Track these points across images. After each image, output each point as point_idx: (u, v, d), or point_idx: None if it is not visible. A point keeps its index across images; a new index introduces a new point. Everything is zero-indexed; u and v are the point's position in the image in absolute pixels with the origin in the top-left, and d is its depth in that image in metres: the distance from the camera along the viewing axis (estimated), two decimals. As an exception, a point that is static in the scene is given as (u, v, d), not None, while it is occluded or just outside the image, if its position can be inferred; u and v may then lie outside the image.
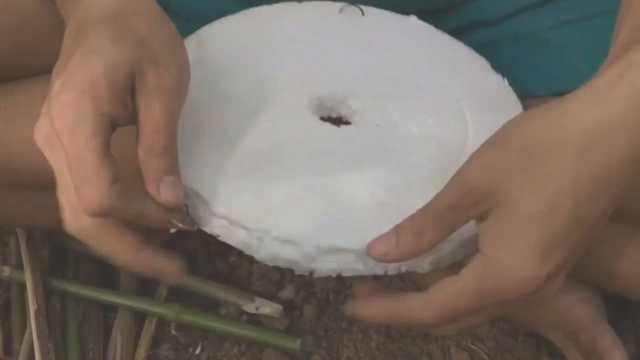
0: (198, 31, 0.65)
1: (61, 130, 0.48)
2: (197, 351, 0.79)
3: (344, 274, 0.52)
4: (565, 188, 0.47)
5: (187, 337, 0.80)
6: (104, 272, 0.85)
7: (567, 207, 0.47)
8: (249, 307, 0.79)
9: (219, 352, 0.79)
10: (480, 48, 0.73)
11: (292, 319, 0.80)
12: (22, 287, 0.81)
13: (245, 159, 0.56)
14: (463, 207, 0.49)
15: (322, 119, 0.62)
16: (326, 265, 0.52)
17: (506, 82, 0.66)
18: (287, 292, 0.82)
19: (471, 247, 0.52)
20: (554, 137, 0.48)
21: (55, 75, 0.50)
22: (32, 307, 0.77)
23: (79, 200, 0.47)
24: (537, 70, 0.73)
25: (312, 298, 0.82)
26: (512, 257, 0.48)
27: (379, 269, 0.52)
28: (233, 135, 0.57)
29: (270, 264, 0.52)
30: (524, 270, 0.47)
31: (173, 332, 0.80)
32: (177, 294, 0.82)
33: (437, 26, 0.71)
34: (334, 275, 0.52)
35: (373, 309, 0.52)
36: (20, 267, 0.81)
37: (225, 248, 0.74)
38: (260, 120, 0.59)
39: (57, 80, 0.49)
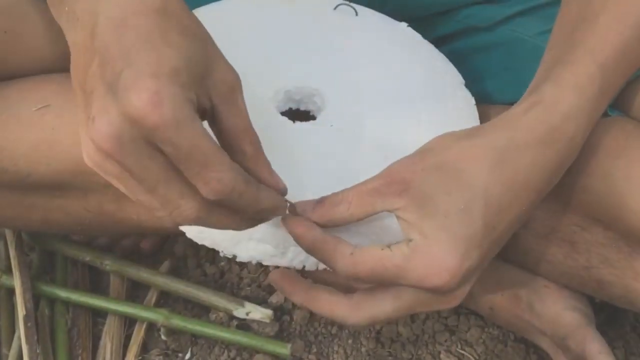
0: None
1: (160, 122, 0.44)
2: (187, 356, 0.78)
3: (264, 263, 0.56)
4: (477, 194, 0.53)
5: (176, 343, 0.80)
6: (93, 277, 0.85)
7: (479, 212, 0.53)
8: (239, 312, 0.78)
9: (208, 357, 0.78)
10: (472, 53, 0.74)
11: (282, 324, 0.80)
12: (11, 292, 0.80)
13: None
14: (381, 193, 0.53)
15: (290, 110, 0.63)
16: (247, 252, 0.55)
17: (473, 101, 0.67)
18: (277, 298, 0.82)
19: None
20: (468, 152, 0.54)
21: (94, 75, 0.46)
22: (20, 312, 0.76)
23: (203, 184, 0.45)
24: (528, 76, 0.73)
25: (302, 303, 0.82)
26: (437, 246, 0.52)
27: (296, 262, 0.56)
28: None
29: (198, 242, 0.55)
30: (446, 260, 0.52)
31: (163, 337, 0.80)
32: (166, 299, 0.82)
33: (429, 31, 0.72)
34: (254, 262, 0.56)
35: (307, 234, 0.54)
36: (8, 271, 0.81)
37: (216, 253, 0.74)
38: None
39: (116, 72, 0.45)
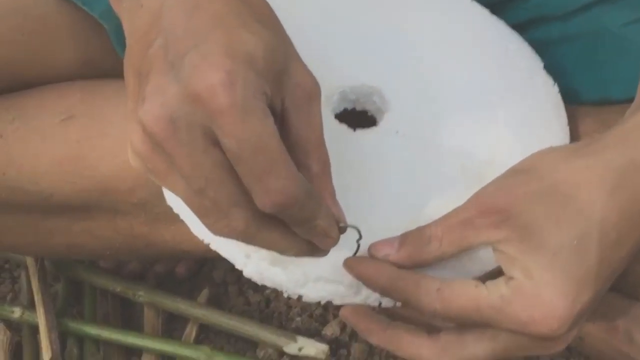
0: None
1: (228, 107, 0.39)
2: None
3: (335, 303, 0.50)
4: (593, 226, 0.46)
5: None
6: (125, 310, 0.78)
7: (595, 246, 0.46)
8: (290, 348, 0.71)
9: None
10: (543, 47, 0.66)
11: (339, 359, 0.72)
12: (35, 329, 0.74)
13: None
14: (476, 226, 0.47)
15: (345, 111, 0.57)
16: (316, 293, 0.50)
17: (556, 88, 0.60)
18: (331, 329, 0.74)
19: None
20: (581, 175, 0.47)
21: (154, 55, 0.41)
22: (46, 355, 0.70)
23: (262, 192, 0.40)
24: (612, 72, 0.66)
25: (360, 334, 0.74)
26: (544, 288, 0.46)
27: (372, 300, 0.50)
28: None
29: (258, 282, 0.50)
30: (556, 305, 0.46)
31: None
32: (207, 333, 0.76)
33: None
34: (323, 302, 0.50)
35: (382, 266, 0.49)
36: (31, 307, 0.74)
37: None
38: None
39: (181, 50, 0.40)
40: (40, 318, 0.72)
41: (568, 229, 0.46)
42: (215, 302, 0.77)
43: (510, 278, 0.47)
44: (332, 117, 0.56)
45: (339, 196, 0.47)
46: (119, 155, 0.60)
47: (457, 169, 0.54)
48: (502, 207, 0.47)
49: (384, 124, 0.56)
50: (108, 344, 0.73)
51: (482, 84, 0.59)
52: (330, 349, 0.71)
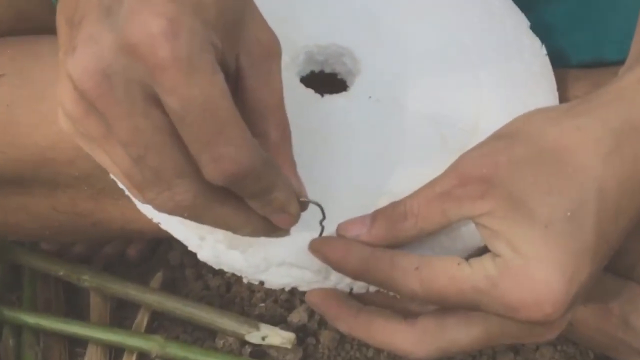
0: None
1: (171, 60, 0.34)
2: None
3: (301, 289, 0.47)
4: (589, 195, 0.42)
5: None
6: (69, 296, 0.72)
7: (591, 218, 0.42)
8: (253, 336, 0.65)
9: None
10: (529, 5, 0.61)
11: (306, 349, 0.66)
12: (-34, 319, 0.67)
13: None
14: (456, 197, 0.43)
15: (312, 74, 0.54)
16: (279, 279, 0.46)
17: (544, 50, 0.56)
18: (298, 315, 0.68)
19: None
20: (573, 137, 0.43)
21: (88, 1, 0.36)
22: (-24, 346, 0.63)
23: (211, 161, 0.36)
24: (605, 31, 0.63)
25: (330, 321, 0.68)
26: (536, 266, 0.41)
27: (343, 286, 0.46)
28: None
29: (215, 266, 0.47)
30: (550, 285, 0.41)
31: None
32: (161, 322, 0.69)
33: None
34: (288, 288, 0.47)
35: (351, 251, 0.44)
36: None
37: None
38: None
39: None
40: None
41: (560, 199, 0.42)
42: (170, 287, 0.71)
43: (497, 256, 0.42)
44: (297, 80, 0.52)
45: (301, 169, 0.43)
46: (56, 121, 0.55)
47: (436, 138, 0.50)
48: (484, 175, 0.42)
49: (355, 88, 0.52)
50: (49, 334, 0.67)
51: (462, 45, 0.55)
52: (297, 337, 0.65)
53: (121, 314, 0.70)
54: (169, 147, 0.36)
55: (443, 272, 0.43)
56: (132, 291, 0.68)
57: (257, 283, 0.47)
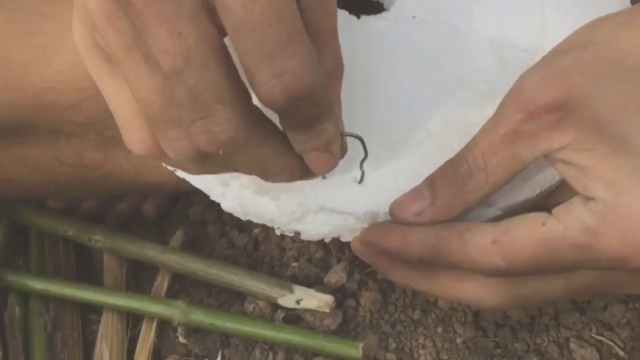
0: None
1: None
2: None
3: (343, 239, 0.44)
4: None
5: (201, 345, 0.61)
6: (80, 259, 0.66)
7: None
8: (286, 300, 0.59)
9: None
10: None
11: (345, 313, 0.60)
12: (-32, 285, 0.62)
13: None
14: (526, 134, 0.38)
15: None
16: (317, 228, 0.43)
17: None
18: (336, 275, 0.61)
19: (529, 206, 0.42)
20: None
21: None
22: (-22, 315, 0.58)
23: (272, 76, 0.32)
24: None
25: (371, 280, 0.61)
26: None
27: None
28: None
29: (242, 217, 0.44)
30: None
31: (181, 339, 0.61)
32: (182, 285, 0.64)
33: None
34: (328, 239, 0.44)
35: (409, 236, 0.41)
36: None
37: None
38: None
39: None
40: None
41: None
42: (192, 246, 0.66)
43: (590, 199, 0.37)
44: None
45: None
46: (57, 58, 0.50)
47: (493, 61, 0.46)
48: (556, 100, 0.37)
49: (396, 8, 0.48)
50: (59, 300, 0.62)
51: None
52: (335, 299, 0.59)
53: (138, 277, 0.65)
54: (214, 63, 0.32)
55: (528, 237, 0.38)
56: (149, 252, 0.62)
57: (291, 234, 0.44)
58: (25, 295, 0.62)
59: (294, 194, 0.42)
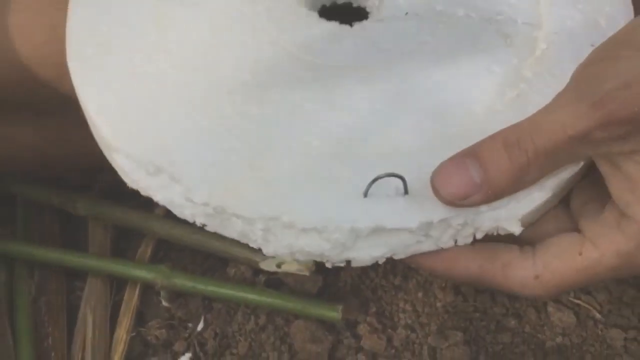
0: None
1: None
2: (199, 327, 0.60)
3: (397, 257, 0.41)
4: None
5: (184, 309, 0.61)
6: (65, 227, 0.66)
7: None
8: (268, 264, 0.59)
9: (229, 326, 0.59)
10: None
11: (326, 277, 0.61)
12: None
13: (225, 105, 0.44)
14: (593, 142, 0.38)
15: (324, 9, 0.51)
16: (368, 253, 0.41)
17: None
18: (317, 241, 0.61)
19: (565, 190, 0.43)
20: None
21: None
22: (-36, 279, 0.58)
23: None
24: None
25: (352, 247, 0.62)
26: None
27: (445, 241, 0.41)
28: (199, 63, 0.45)
29: (287, 259, 0.45)
30: None
31: (164, 302, 0.61)
32: (166, 251, 0.64)
33: None
34: (381, 261, 0.41)
35: (454, 265, 0.41)
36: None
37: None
38: (234, 32, 0.47)
39: None
40: None
41: None
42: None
43: (625, 216, 0.38)
44: (316, 15, 0.49)
45: (355, 111, 0.43)
46: (34, 34, 0.51)
47: (499, 41, 0.47)
48: (634, 114, 0.37)
49: (386, 8, 0.48)
50: (44, 266, 0.62)
51: None
52: (317, 264, 0.58)
53: (123, 244, 0.65)
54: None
55: (568, 269, 0.39)
56: (134, 219, 0.62)
57: (343, 264, 0.41)
58: (11, 262, 0.62)
59: (343, 221, 0.40)
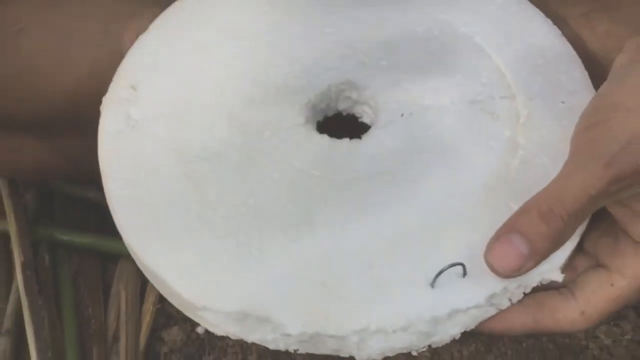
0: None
1: None
2: None
3: (468, 329, 0.44)
4: None
5: None
6: (100, 218, 0.72)
7: None
8: None
9: None
10: None
11: None
12: (6, 239, 0.70)
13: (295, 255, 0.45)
14: (609, 195, 0.42)
15: (317, 124, 0.52)
16: (447, 333, 0.43)
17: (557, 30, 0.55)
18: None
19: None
20: None
21: None
22: (18, 259, 0.66)
23: None
24: None
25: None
26: None
27: (504, 304, 0.44)
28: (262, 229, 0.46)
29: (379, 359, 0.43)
30: None
31: None
32: None
33: None
34: (458, 335, 0.44)
35: (512, 325, 0.45)
36: (1, 216, 0.70)
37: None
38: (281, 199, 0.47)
39: None
40: (11, 225, 0.68)
41: None
42: None
43: (637, 243, 0.43)
44: (314, 131, 0.51)
45: (386, 219, 0.46)
46: (80, 64, 0.56)
47: (486, 117, 0.50)
48: (638, 168, 0.42)
49: (381, 116, 0.51)
50: (82, 250, 0.70)
51: (459, 27, 0.54)
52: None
53: None
54: None
55: (605, 300, 0.44)
56: None
57: (425, 349, 0.43)
58: (53, 246, 0.69)
59: (423, 314, 0.42)
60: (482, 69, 0.52)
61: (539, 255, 0.42)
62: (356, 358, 0.42)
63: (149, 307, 0.67)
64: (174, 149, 0.49)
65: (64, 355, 0.63)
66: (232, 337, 0.43)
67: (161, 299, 0.68)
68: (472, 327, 0.44)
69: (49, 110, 0.56)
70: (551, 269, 0.44)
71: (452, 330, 0.43)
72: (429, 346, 0.43)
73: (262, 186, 0.47)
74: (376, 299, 0.43)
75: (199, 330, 0.67)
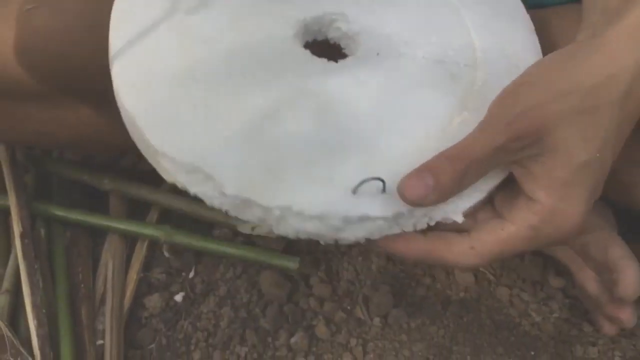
0: None
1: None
2: (191, 274, 0.75)
3: (372, 238, 0.49)
4: (611, 134, 0.47)
5: (180, 261, 0.76)
6: (91, 198, 0.81)
7: (610, 151, 0.48)
8: (244, 227, 0.75)
9: (213, 275, 0.75)
10: None
11: (288, 241, 0.76)
12: (6, 213, 0.77)
13: (246, 123, 0.49)
14: (509, 150, 0.47)
15: (307, 44, 0.56)
16: (353, 234, 0.48)
17: None
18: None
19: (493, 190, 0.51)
20: (601, 82, 0.47)
21: None
22: (17, 229, 0.73)
23: None
24: None
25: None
26: (571, 206, 0.47)
27: (408, 227, 0.49)
28: (224, 90, 0.50)
29: (291, 237, 0.48)
30: (578, 217, 0.48)
31: (166, 254, 0.76)
32: (169, 218, 0.79)
33: None
34: (361, 241, 0.49)
35: (411, 245, 0.50)
36: (2, 192, 0.77)
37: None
38: (250, 68, 0.52)
39: None
40: (12, 200, 0.75)
41: (592, 143, 0.47)
42: (177, 191, 0.75)
43: (532, 200, 0.48)
44: (309, 53, 0.54)
45: (353, 134, 0.50)
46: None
47: (447, 77, 0.54)
48: (537, 129, 0.47)
49: (361, 49, 0.55)
50: (75, 225, 0.76)
51: None
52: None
53: (136, 212, 0.79)
54: None
55: (495, 240, 0.49)
56: (145, 192, 0.77)
57: (331, 242, 0.48)
58: (49, 221, 0.76)
59: (338, 212, 0.47)
60: (456, 39, 0.56)
61: (441, 190, 0.47)
62: (274, 231, 0.48)
63: (133, 276, 0.74)
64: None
65: (56, 313, 0.70)
66: (179, 186, 0.49)
67: (144, 269, 0.75)
68: (376, 237, 0.48)
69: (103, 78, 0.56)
70: (454, 211, 0.49)
71: (358, 233, 0.48)
72: (336, 241, 0.48)
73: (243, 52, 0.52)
74: (305, 189, 0.47)
75: (177, 298, 0.74)
